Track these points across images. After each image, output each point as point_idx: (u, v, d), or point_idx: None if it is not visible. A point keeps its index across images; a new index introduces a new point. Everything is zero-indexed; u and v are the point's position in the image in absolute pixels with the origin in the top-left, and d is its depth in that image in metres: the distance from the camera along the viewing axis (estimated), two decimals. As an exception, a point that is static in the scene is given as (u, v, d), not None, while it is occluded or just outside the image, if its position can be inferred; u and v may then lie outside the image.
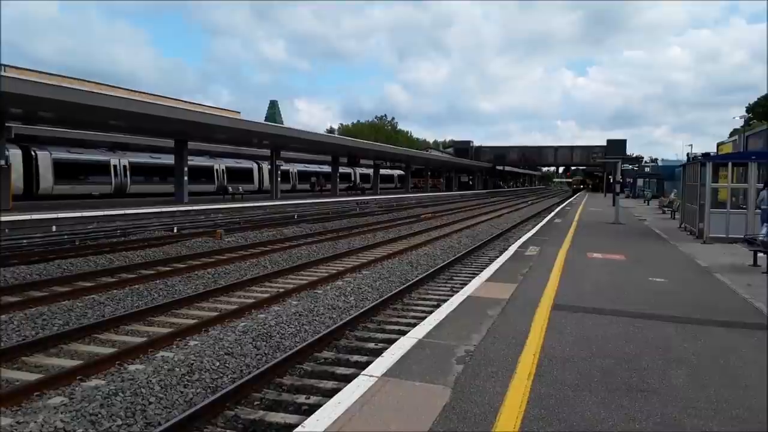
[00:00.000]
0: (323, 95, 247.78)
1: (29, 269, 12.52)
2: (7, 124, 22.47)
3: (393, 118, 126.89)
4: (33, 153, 29.13)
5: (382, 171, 61.84)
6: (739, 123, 56.73)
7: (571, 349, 5.55)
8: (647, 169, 63.62)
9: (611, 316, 7.00)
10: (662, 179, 51.66)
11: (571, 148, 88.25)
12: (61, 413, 5.17)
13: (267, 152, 40.26)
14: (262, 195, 43.45)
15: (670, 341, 5.92)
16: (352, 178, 62.46)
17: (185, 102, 47.32)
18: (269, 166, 40.90)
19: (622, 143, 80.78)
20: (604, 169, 68.36)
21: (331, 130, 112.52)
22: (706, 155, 18.73)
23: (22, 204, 24.35)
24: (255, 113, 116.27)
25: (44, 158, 29.64)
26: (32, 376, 6.27)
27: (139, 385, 5.86)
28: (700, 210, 16.51)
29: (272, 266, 13.86)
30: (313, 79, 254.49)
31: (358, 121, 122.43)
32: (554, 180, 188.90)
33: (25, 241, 16.73)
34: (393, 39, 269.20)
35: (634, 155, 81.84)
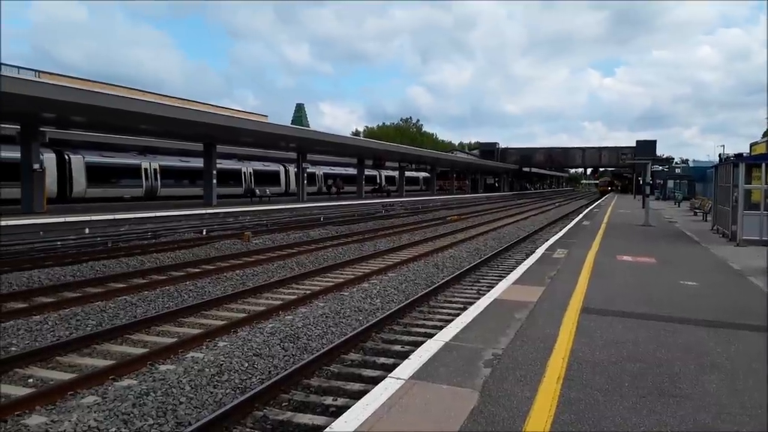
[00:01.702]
0: (347, 98, 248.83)
1: (63, 270, 12.83)
2: (41, 129, 23.02)
3: (418, 120, 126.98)
4: (66, 157, 29.78)
5: (408, 173, 61.79)
6: (773, 123, 55.37)
7: (601, 354, 5.47)
8: (678, 171, 62.45)
9: (641, 320, 6.88)
10: (693, 181, 50.67)
11: (600, 149, 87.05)
12: (95, 412, 5.29)
13: (293, 155, 40.56)
14: (288, 197, 43.80)
15: (703, 346, 5.81)
16: (378, 181, 62.55)
17: (212, 106, 47.91)
18: (295, 169, 41.18)
19: (652, 144, 79.41)
20: (633, 170, 67.34)
21: (356, 133, 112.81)
22: (738, 156, 18.32)
23: (56, 207, 24.94)
24: (280, 117, 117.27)
25: (77, 162, 30.28)
26: (66, 376, 6.42)
27: (170, 385, 5.96)
28: (732, 212, 16.15)
29: (299, 268, 13.97)
30: (336, 82, 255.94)
31: (384, 123, 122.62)
32: (582, 182, 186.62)
33: (59, 243, 17.13)
34: (416, 40, 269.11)
35: (664, 156, 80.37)
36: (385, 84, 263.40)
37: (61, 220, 19.00)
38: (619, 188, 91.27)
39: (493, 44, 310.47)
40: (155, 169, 35.20)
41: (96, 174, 31.16)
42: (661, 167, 65.24)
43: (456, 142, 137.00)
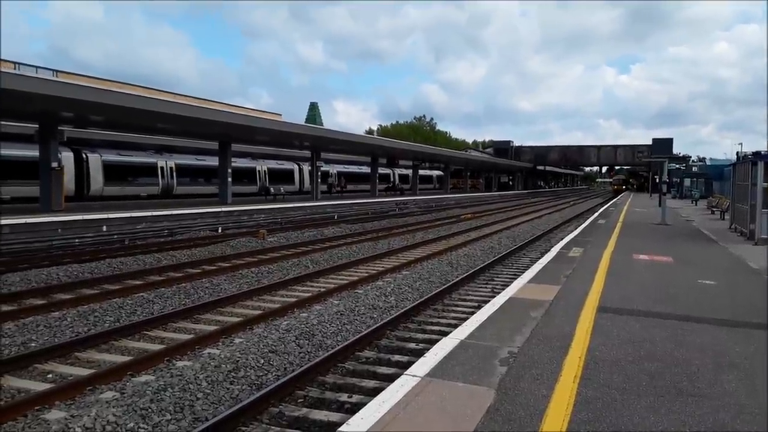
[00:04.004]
0: (360, 96, 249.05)
1: (81, 267, 12.97)
2: (59, 128, 23.31)
3: (432, 119, 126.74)
4: (84, 155, 30.12)
5: (421, 171, 61.70)
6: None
7: (618, 352, 5.44)
8: (695, 169, 61.74)
9: (658, 318, 6.83)
10: (710, 179, 50.04)
11: (615, 147, 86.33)
12: (113, 407, 5.35)
13: (306, 153, 40.69)
14: (302, 195, 43.95)
15: (721, 345, 5.75)
16: (391, 179, 62.55)
17: (227, 104, 48.18)
18: (309, 167, 41.30)
19: (669, 142, 78.63)
20: (649, 168, 66.68)
21: (370, 131, 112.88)
22: (757, 154, 18.04)
23: (74, 205, 25.25)
24: (294, 116, 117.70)
25: (95, 160, 30.62)
26: (85, 371, 6.50)
27: (187, 380, 6.01)
28: (750, 210, 15.94)
29: (313, 266, 14.01)
30: (349, 81, 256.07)
31: (397, 122, 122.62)
32: (597, 180, 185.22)
33: (77, 240, 17.35)
34: (429, 38, 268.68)
35: (681, 154, 79.36)
36: (398, 82, 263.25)
37: (79, 217, 19.23)
38: (635, 186, 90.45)
39: (507, 41, 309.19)
40: (171, 168, 35.50)
41: (113, 172, 31.50)
42: (677, 165, 64.53)
43: (470, 140, 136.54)
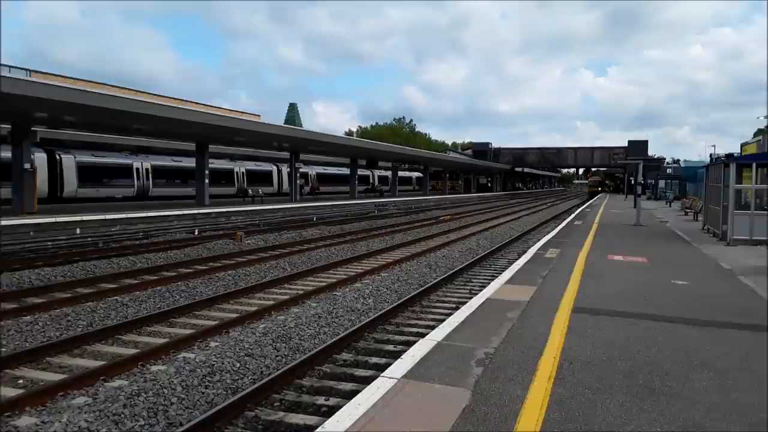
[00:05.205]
0: (341, 98, 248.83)
1: (54, 271, 12.74)
2: (32, 129, 22.87)
3: (411, 120, 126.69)
4: (58, 157, 29.60)
5: (400, 173, 61.78)
6: (763, 123, 55.85)
7: (592, 352, 5.50)
8: (669, 171, 62.77)
9: (633, 319, 6.92)
10: (684, 181, 50.97)
11: (592, 149, 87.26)
12: (85, 413, 5.26)
13: (285, 155, 40.48)
14: (281, 197, 43.71)
15: (693, 344, 5.84)
16: (371, 180, 62.54)
17: (205, 105, 47.73)
18: (288, 169, 41.10)
19: (644, 144, 79.65)
20: (625, 170, 67.59)
21: (349, 133, 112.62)
22: (729, 156, 18.47)
23: (47, 207, 24.79)
24: (273, 116, 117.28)
25: (68, 162, 30.11)
26: (56, 377, 6.38)
27: (161, 385, 5.94)
28: (723, 212, 16.25)
29: (291, 268, 13.94)
30: (330, 82, 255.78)
31: (377, 123, 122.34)
32: (574, 182, 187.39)
33: (50, 243, 17.03)
34: (410, 40, 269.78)
35: (656, 156, 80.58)
36: (379, 83, 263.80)
37: (52, 220, 18.87)
38: (611, 188, 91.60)
39: (488, 43, 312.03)
40: (147, 169, 35.05)
41: (87, 174, 31.01)
42: (652, 166, 65.51)
43: (450, 141, 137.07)
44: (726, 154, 20.03)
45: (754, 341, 6.06)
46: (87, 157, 31.32)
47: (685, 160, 72.12)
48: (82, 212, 21.62)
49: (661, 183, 59.58)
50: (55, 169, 29.40)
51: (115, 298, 10.35)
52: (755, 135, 60.42)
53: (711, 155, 47.56)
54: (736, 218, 15.47)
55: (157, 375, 6.25)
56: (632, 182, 42.30)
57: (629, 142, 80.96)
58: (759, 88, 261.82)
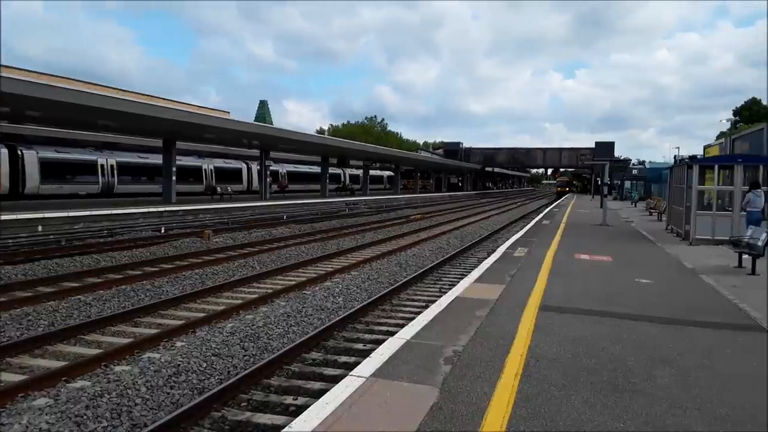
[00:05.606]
0: (312, 96, 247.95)
1: (14, 269, 12.39)
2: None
3: (383, 119, 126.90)
4: (19, 152, 28.82)
5: (372, 172, 61.81)
6: (726, 126, 57.44)
7: (558, 350, 5.57)
8: (635, 172, 64.04)
9: (598, 316, 7.04)
10: (649, 181, 52.04)
11: (560, 150, 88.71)
12: (46, 414, 5.13)
13: (255, 152, 40.11)
14: (251, 195, 43.31)
15: (656, 342, 5.97)
16: (342, 179, 62.40)
17: (174, 102, 46.99)
18: (258, 167, 40.73)
19: (611, 145, 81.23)
20: (592, 171, 68.73)
21: (321, 131, 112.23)
22: (692, 158, 18.92)
23: (9, 204, 24.09)
24: (243, 113, 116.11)
25: (31, 157, 29.34)
26: (17, 378, 6.20)
27: (125, 386, 5.82)
28: (686, 212, 16.65)
29: (261, 267, 13.82)
30: (302, 80, 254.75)
31: (348, 122, 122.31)
32: (543, 182, 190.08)
33: (10, 241, 16.55)
34: (383, 39, 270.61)
35: (622, 157, 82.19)
36: (351, 82, 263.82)
37: (13, 217, 18.37)
38: (578, 189, 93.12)
39: (459, 44, 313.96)
40: (112, 166, 34.39)
41: (50, 170, 30.28)
42: (618, 167, 66.74)
43: (421, 141, 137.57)
44: (689, 156, 20.53)
45: (714, 338, 6.22)
46: (50, 153, 30.57)
47: (650, 162, 73.45)
48: (45, 209, 21.09)
49: (627, 184, 60.73)
50: (16, 165, 28.62)
51: (78, 297, 10.10)
52: (718, 138, 62.05)
53: (675, 157, 48.69)
54: (699, 218, 15.86)
55: (120, 375, 6.12)
56: (599, 183, 43.07)
57: (596, 143, 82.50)
58: (722, 92, 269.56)
